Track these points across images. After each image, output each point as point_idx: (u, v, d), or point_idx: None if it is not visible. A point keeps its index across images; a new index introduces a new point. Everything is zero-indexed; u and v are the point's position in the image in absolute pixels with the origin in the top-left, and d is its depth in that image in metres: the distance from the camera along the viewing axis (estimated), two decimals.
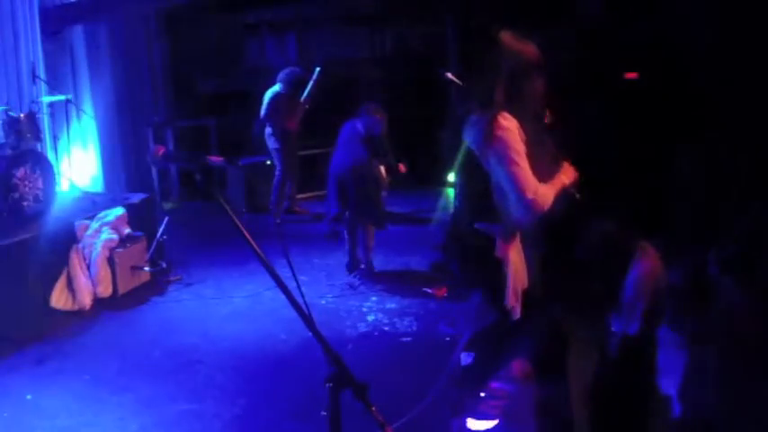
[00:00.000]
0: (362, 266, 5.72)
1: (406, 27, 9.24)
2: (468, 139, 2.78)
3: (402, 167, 5.98)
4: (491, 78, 2.74)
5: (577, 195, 2.72)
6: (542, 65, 2.76)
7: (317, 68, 7.35)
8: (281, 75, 7.42)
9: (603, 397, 3.33)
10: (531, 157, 2.70)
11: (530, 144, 2.70)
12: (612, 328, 3.60)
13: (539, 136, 2.76)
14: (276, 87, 7.40)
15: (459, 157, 2.80)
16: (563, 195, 2.78)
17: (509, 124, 2.65)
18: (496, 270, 2.77)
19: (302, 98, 7.38)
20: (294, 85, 7.34)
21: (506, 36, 2.77)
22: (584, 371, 3.42)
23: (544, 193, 2.67)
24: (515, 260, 2.79)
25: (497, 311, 2.90)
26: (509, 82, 2.71)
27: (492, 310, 2.94)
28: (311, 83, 7.34)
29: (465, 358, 3.18)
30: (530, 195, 2.62)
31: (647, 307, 3.26)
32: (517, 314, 2.80)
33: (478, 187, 2.76)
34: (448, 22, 8.44)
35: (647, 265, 3.34)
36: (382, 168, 5.75)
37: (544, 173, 2.78)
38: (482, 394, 3.27)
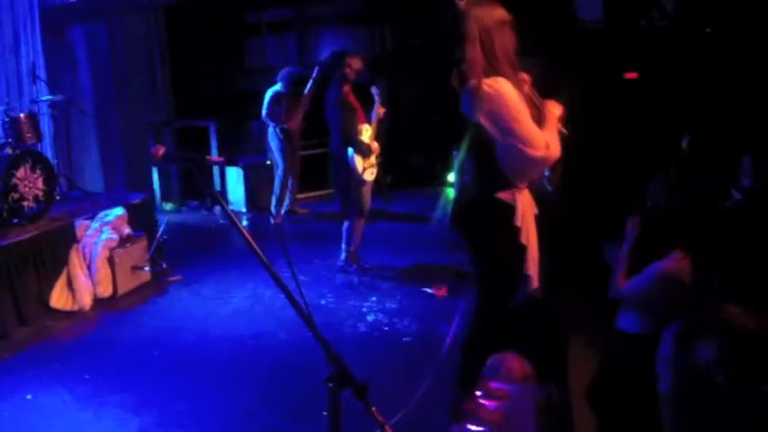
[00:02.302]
0: (359, 263, 5.74)
1: (406, 26, 9.23)
2: (464, 111, 2.77)
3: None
4: (463, 48, 2.72)
5: (564, 131, 2.75)
6: (509, 22, 2.76)
7: (317, 67, 7.36)
8: (281, 74, 7.46)
9: (605, 396, 3.33)
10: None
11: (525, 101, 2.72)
12: (619, 325, 3.59)
13: (525, 93, 2.77)
14: (276, 87, 7.43)
15: (466, 132, 2.79)
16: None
17: (497, 86, 2.65)
18: (514, 239, 2.77)
19: (302, 97, 7.39)
20: (294, 85, 7.37)
21: (464, 3, 2.76)
22: (585, 371, 3.42)
23: (553, 143, 2.69)
24: (531, 228, 2.79)
25: (502, 288, 2.87)
26: (480, 46, 2.71)
27: (494, 291, 2.92)
28: (311, 82, 7.34)
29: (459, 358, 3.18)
30: (540, 153, 2.65)
31: (664, 306, 3.27)
32: (535, 283, 2.80)
33: (488, 156, 2.75)
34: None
35: (670, 265, 3.34)
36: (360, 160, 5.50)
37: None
38: (478, 393, 3.27)
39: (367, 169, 5.54)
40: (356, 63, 5.56)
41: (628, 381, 3.25)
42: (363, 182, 5.54)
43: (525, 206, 2.78)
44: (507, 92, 2.65)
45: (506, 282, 2.85)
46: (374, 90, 5.64)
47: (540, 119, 2.78)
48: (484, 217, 2.84)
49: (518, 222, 2.74)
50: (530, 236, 2.78)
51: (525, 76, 2.91)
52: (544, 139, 2.66)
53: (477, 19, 2.71)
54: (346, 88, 5.52)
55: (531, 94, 2.87)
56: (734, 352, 2.58)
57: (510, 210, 2.74)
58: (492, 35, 2.70)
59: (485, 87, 2.66)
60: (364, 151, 5.49)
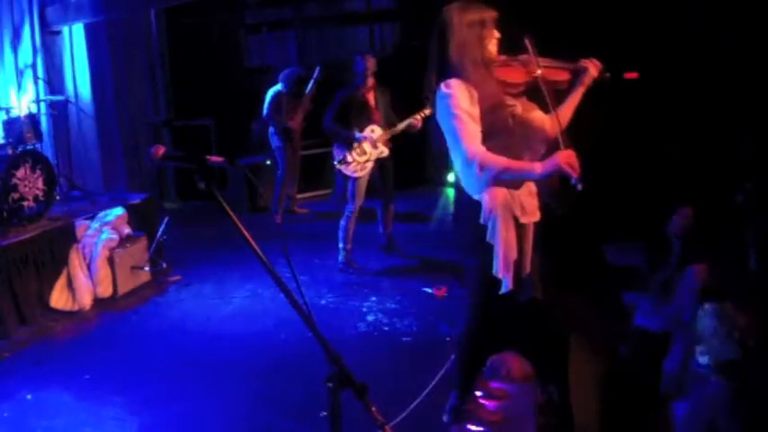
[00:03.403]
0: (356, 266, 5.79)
1: (406, 26, 9.24)
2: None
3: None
4: (440, 44, 2.76)
5: (579, 186, 2.57)
6: (484, 22, 2.74)
7: (318, 68, 7.39)
8: (283, 74, 7.50)
9: (609, 393, 3.33)
10: (489, 119, 2.68)
11: (488, 107, 2.68)
12: (636, 321, 3.61)
13: (498, 99, 2.73)
14: (277, 87, 7.46)
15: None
16: (558, 184, 2.74)
17: (450, 91, 2.66)
18: (480, 239, 2.75)
19: (303, 97, 7.42)
20: (295, 85, 7.41)
21: (449, 7, 2.77)
22: (586, 370, 3.43)
23: (486, 159, 2.59)
24: (503, 229, 2.74)
25: (482, 287, 2.86)
26: (453, 50, 2.72)
27: (476, 290, 2.92)
28: (312, 82, 7.37)
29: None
30: (464, 156, 2.61)
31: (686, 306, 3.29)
32: (510, 285, 2.77)
33: None
34: None
35: (695, 273, 3.37)
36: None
37: (510, 135, 2.75)
38: (478, 393, 3.27)
39: (350, 163, 5.55)
40: (372, 62, 5.65)
41: (640, 376, 3.27)
42: (351, 176, 5.59)
43: (497, 204, 2.72)
44: (454, 94, 2.65)
45: (484, 281, 2.83)
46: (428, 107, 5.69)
47: (504, 117, 2.74)
48: (461, 215, 2.87)
49: (484, 220, 2.73)
50: (500, 235, 2.73)
51: (590, 64, 2.88)
52: (474, 151, 2.60)
53: (444, 25, 2.74)
54: (368, 85, 5.63)
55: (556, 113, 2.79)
56: (725, 350, 2.60)
57: (478, 207, 2.73)
58: (449, 38, 2.72)
59: (443, 89, 2.69)
60: (343, 142, 5.59)
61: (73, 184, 6.56)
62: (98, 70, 7.60)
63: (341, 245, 5.76)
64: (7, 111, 5.50)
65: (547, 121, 2.83)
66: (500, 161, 2.61)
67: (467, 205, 2.77)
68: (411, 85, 5.89)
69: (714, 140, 5.51)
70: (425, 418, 3.35)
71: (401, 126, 5.64)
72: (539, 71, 2.75)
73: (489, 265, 2.75)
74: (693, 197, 4.48)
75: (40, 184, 5.33)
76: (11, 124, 5.43)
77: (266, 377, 4.04)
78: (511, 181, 2.71)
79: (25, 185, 5.21)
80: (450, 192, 7.91)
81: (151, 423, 3.59)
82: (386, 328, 4.66)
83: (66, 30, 7.15)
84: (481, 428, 3.16)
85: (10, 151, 5.29)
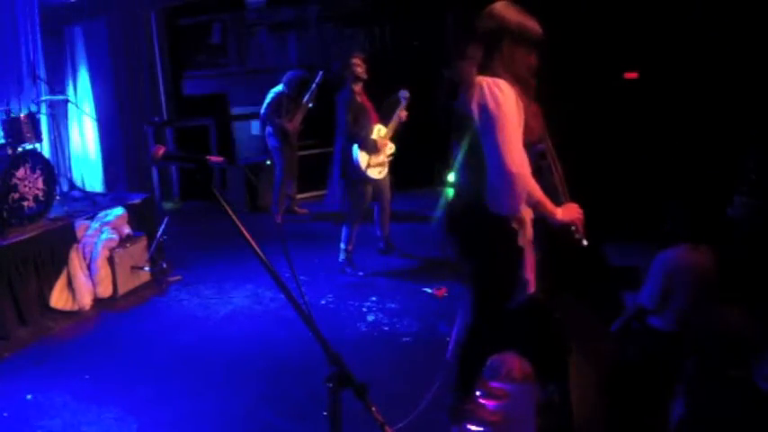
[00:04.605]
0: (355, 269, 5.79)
1: (405, 26, 9.24)
2: (458, 105, 2.74)
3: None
4: (486, 45, 2.72)
5: (585, 243, 2.66)
6: (539, 41, 2.73)
7: (320, 72, 7.43)
8: (286, 76, 7.53)
9: (609, 393, 3.34)
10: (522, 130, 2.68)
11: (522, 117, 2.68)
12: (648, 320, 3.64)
13: (528, 112, 2.73)
14: (279, 87, 7.48)
15: (466, 132, 2.74)
16: (563, 233, 2.77)
17: (505, 94, 2.62)
18: (512, 243, 2.75)
19: (304, 100, 7.44)
20: (296, 87, 7.44)
21: (502, 5, 2.75)
22: (586, 370, 3.43)
23: (527, 178, 2.62)
24: (530, 232, 2.78)
25: (499, 291, 2.87)
26: (499, 57, 2.69)
27: (491, 294, 2.92)
28: (313, 86, 7.39)
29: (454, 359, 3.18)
30: (513, 168, 2.58)
31: (688, 301, 3.30)
32: (532, 287, 2.80)
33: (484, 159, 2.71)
34: (448, 19, 8.45)
35: (691, 259, 3.38)
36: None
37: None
38: (478, 393, 3.27)
39: (373, 167, 5.59)
40: (360, 61, 5.64)
41: (649, 375, 3.27)
42: (366, 179, 5.58)
43: (529, 209, 2.78)
44: (508, 97, 2.61)
45: (503, 285, 2.83)
46: (402, 93, 5.76)
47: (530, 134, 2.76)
48: (481, 220, 2.79)
49: (515, 225, 2.73)
50: (528, 238, 2.77)
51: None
52: (518, 165, 2.58)
53: (499, 26, 2.70)
54: (357, 88, 5.60)
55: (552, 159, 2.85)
56: (719, 351, 2.61)
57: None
58: (497, 43, 2.68)
59: (482, 82, 2.65)
60: (369, 147, 5.57)
61: (73, 185, 6.56)
62: (98, 70, 7.60)
63: (343, 245, 5.76)
64: (7, 111, 5.50)
65: None
66: (537, 192, 2.69)
67: (484, 211, 2.73)
68: (410, 85, 5.94)
69: (714, 140, 5.52)
70: (426, 418, 3.35)
71: (396, 119, 5.73)
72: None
73: (512, 270, 2.77)
74: (692, 196, 4.49)
75: (40, 184, 5.33)
76: (11, 124, 5.43)
77: (266, 377, 4.04)
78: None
79: (25, 185, 5.21)
80: (451, 192, 7.90)
81: (151, 423, 3.60)
82: (386, 328, 4.66)
83: (66, 30, 7.15)
84: (481, 428, 3.16)
85: (10, 151, 5.28)
